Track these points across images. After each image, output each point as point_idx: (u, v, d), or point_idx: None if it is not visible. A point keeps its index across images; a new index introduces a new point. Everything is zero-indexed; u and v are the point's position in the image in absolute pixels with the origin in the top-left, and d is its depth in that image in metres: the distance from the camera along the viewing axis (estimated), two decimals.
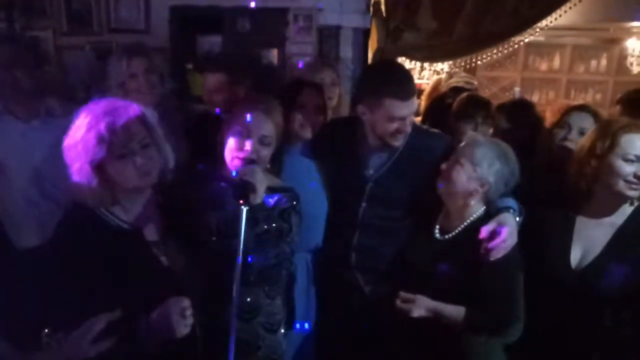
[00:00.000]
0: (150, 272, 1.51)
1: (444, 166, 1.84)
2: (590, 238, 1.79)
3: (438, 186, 1.86)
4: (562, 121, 2.24)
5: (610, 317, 1.73)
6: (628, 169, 1.69)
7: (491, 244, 1.67)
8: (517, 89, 4.42)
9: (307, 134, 2.06)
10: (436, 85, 3.59)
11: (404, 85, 1.91)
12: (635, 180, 1.69)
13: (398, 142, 1.96)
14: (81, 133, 1.43)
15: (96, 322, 1.33)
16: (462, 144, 1.87)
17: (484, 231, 1.72)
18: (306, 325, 2.13)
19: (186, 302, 1.39)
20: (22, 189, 2.19)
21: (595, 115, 2.21)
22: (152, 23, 3.14)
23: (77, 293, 1.38)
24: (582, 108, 2.27)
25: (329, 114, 2.31)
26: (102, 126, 1.41)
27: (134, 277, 1.45)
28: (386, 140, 1.96)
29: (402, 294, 1.75)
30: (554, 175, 2.12)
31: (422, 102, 3.68)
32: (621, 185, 1.71)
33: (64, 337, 1.33)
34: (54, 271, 1.43)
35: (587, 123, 2.16)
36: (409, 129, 1.94)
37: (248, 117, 1.72)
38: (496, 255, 1.68)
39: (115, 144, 1.42)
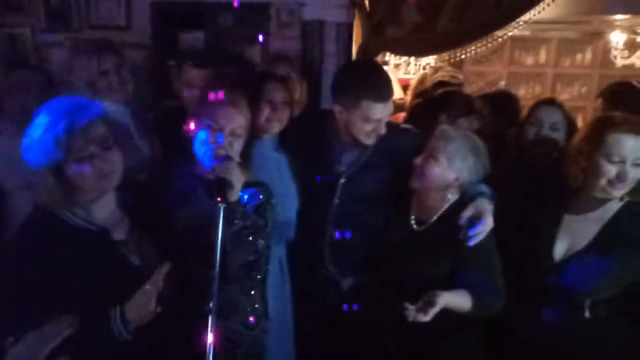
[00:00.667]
0: (120, 272, 1.48)
1: (417, 161, 1.86)
2: (576, 233, 1.80)
3: (413, 181, 1.88)
4: (533, 117, 2.25)
5: (590, 310, 1.75)
6: (611, 169, 1.69)
7: (472, 230, 1.72)
8: (502, 83, 4.44)
9: (274, 128, 2.05)
10: (422, 80, 3.58)
11: (383, 87, 1.92)
12: (617, 181, 1.69)
13: (371, 142, 1.97)
14: (39, 133, 1.37)
15: (52, 334, 1.30)
16: (434, 137, 1.88)
17: (464, 218, 1.77)
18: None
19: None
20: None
21: (561, 108, 2.25)
22: (133, 19, 3.09)
23: (43, 297, 1.35)
24: (550, 102, 2.29)
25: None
26: (60, 128, 1.35)
27: (103, 278, 1.41)
28: (360, 139, 1.97)
29: (420, 304, 1.66)
30: (524, 169, 2.15)
31: (408, 97, 3.68)
32: (604, 185, 1.71)
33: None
34: (16, 276, 1.39)
35: (557, 117, 2.19)
36: (383, 130, 1.94)
37: (216, 111, 1.71)
38: (476, 240, 1.73)
39: (73, 148, 1.37)
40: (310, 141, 2.09)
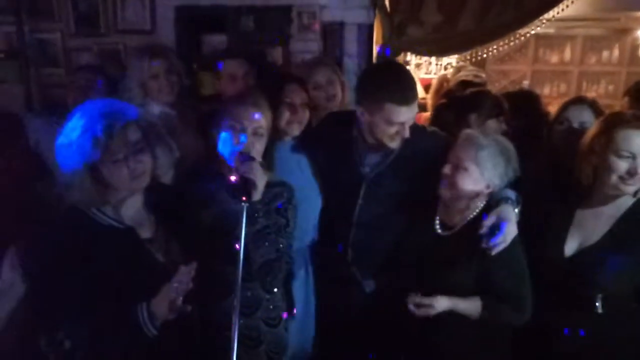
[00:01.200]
0: (146, 269, 1.54)
1: (447, 170, 1.81)
2: (588, 229, 1.80)
3: (443, 191, 1.84)
4: (561, 117, 2.22)
5: (602, 305, 1.74)
6: (622, 165, 1.69)
7: (493, 240, 1.69)
8: (525, 83, 4.38)
9: (294, 130, 2.06)
10: (442, 82, 3.57)
11: (406, 90, 1.88)
12: (628, 177, 1.69)
13: (395, 145, 1.95)
14: (76, 134, 1.43)
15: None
16: (462, 144, 1.83)
17: (485, 227, 1.73)
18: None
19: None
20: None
21: (592, 106, 2.18)
22: (157, 23, 3.17)
23: (74, 294, 1.41)
24: (579, 101, 2.25)
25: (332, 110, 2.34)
26: (98, 129, 1.41)
27: (130, 275, 1.47)
28: (383, 143, 1.94)
29: (418, 299, 1.74)
30: (554, 170, 2.12)
31: (429, 99, 3.66)
32: (616, 181, 1.71)
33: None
34: (47, 274, 1.46)
35: (586, 116, 2.14)
36: (407, 133, 1.91)
37: (239, 112, 1.75)
38: (499, 249, 1.70)
39: (110, 148, 1.43)
40: (336, 141, 2.09)
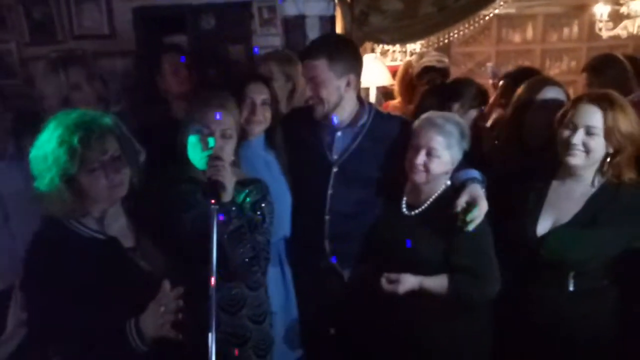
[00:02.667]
0: (131, 278, 1.53)
1: (421, 158, 1.84)
2: (561, 208, 1.83)
3: (415, 174, 1.88)
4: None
5: (574, 282, 1.79)
6: (565, 134, 1.75)
7: (469, 217, 1.76)
8: (489, 65, 4.45)
9: (254, 128, 2.05)
10: (406, 68, 3.59)
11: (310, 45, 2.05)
12: (565, 146, 1.74)
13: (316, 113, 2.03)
14: (52, 146, 1.40)
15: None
16: (429, 129, 1.87)
17: (459, 205, 1.79)
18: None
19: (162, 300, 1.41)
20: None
21: (558, 85, 2.17)
22: (116, 27, 3.09)
23: (60, 308, 1.40)
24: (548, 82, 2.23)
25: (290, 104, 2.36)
26: (75, 140, 1.39)
27: (115, 285, 1.46)
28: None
29: (387, 275, 1.81)
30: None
31: (395, 86, 3.69)
32: (561, 152, 1.77)
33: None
34: (32, 290, 1.45)
35: (552, 94, 2.16)
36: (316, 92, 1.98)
37: (205, 115, 1.74)
38: (474, 225, 1.77)
39: (87, 159, 1.41)
40: (302, 133, 2.12)
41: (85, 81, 2.20)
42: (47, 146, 1.41)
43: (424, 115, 1.94)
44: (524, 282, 1.85)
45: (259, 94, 2.04)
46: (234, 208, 1.70)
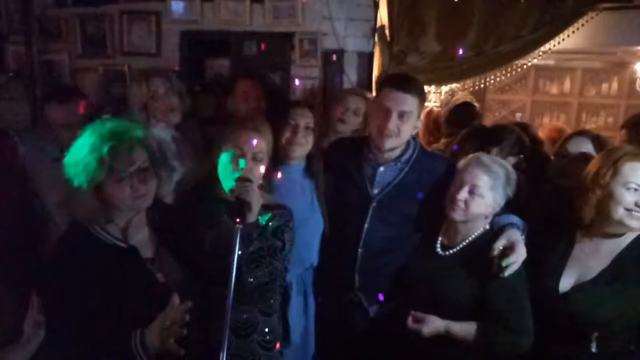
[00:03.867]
0: (147, 288, 1.55)
1: (463, 195, 1.82)
2: (586, 265, 1.77)
3: (454, 212, 1.85)
4: (562, 148, 2.23)
5: (597, 344, 1.71)
6: (629, 197, 1.69)
7: (506, 262, 1.71)
8: (518, 115, 4.45)
9: (294, 151, 2.07)
10: (429, 113, 3.68)
11: (401, 78, 2.05)
12: (636, 208, 1.67)
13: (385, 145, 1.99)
14: (83, 153, 1.46)
15: None
16: (475, 169, 1.85)
17: (496, 249, 1.75)
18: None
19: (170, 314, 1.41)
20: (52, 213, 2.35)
21: (595, 140, 2.19)
22: (163, 47, 3.24)
23: (75, 309, 1.43)
24: (581, 134, 2.26)
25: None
26: (105, 150, 1.44)
27: (131, 294, 1.48)
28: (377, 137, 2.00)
29: (413, 313, 1.78)
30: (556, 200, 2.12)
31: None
32: (621, 213, 1.70)
33: None
34: (52, 288, 1.47)
35: (585, 148, 2.16)
36: (395, 126, 1.95)
37: (238, 137, 1.77)
38: (510, 271, 1.72)
39: (115, 168, 1.46)
40: (345, 164, 2.11)
41: (163, 93, 2.37)
42: (80, 152, 1.47)
43: (472, 154, 1.93)
44: (545, 339, 1.76)
45: (303, 118, 2.06)
46: (256, 230, 1.71)
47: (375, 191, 2.04)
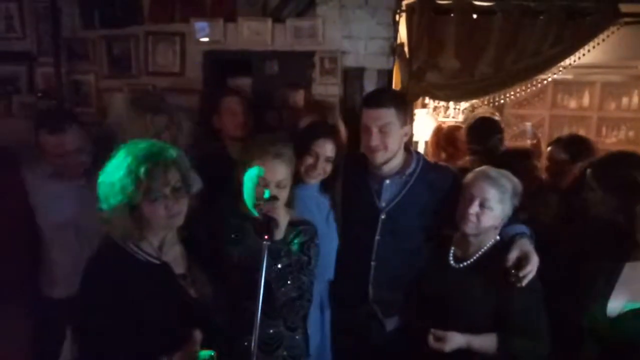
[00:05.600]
0: (180, 305, 1.58)
1: (474, 209, 1.86)
2: (636, 289, 1.73)
3: (466, 225, 1.89)
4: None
5: None
6: None
7: (523, 272, 1.74)
8: (528, 124, 4.42)
9: (311, 179, 2.08)
10: (437, 131, 3.70)
11: (376, 94, 2.13)
12: None
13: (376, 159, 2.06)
14: (120, 174, 1.49)
15: None
16: (483, 183, 1.89)
17: (510, 260, 1.79)
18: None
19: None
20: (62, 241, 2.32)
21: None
22: (186, 67, 3.32)
23: (109, 326, 1.45)
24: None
25: None
26: (141, 171, 1.47)
27: (165, 309, 1.51)
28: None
29: (433, 331, 1.79)
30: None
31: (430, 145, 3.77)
32: None
33: None
34: (86, 306, 1.51)
35: None
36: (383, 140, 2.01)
37: (262, 165, 1.77)
38: (527, 280, 1.75)
39: (151, 189, 1.49)
40: (353, 179, 2.16)
41: (163, 129, 2.37)
42: (116, 173, 1.50)
43: (478, 168, 1.97)
44: None
45: (324, 150, 2.06)
46: (284, 247, 1.74)
47: (383, 204, 2.09)
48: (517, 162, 2.56)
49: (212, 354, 1.43)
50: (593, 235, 2.01)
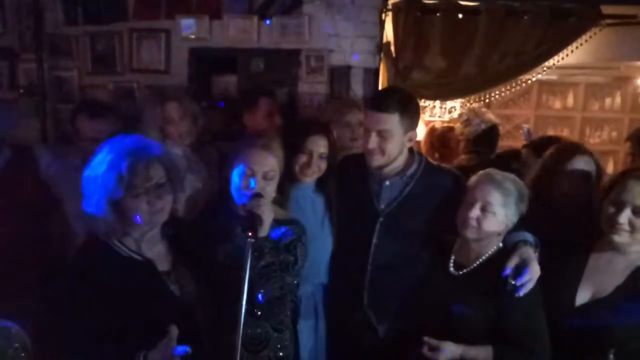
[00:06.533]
0: (161, 301, 1.57)
1: (475, 213, 1.78)
2: (602, 279, 1.75)
3: (467, 230, 1.81)
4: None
5: (615, 358, 1.67)
6: (610, 210, 1.69)
7: (519, 280, 1.66)
8: (525, 126, 4.46)
9: (306, 178, 2.05)
10: (431, 131, 3.71)
11: (380, 97, 2.05)
12: (615, 224, 1.67)
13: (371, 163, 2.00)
14: (102, 169, 1.48)
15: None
16: (486, 186, 1.80)
17: (509, 268, 1.70)
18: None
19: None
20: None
21: (591, 156, 2.11)
22: (171, 64, 3.29)
23: (89, 320, 1.44)
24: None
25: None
26: (123, 167, 1.46)
27: (146, 306, 1.50)
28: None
29: (427, 340, 1.71)
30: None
31: (423, 145, 3.77)
32: (607, 228, 1.70)
33: None
34: (67, 299, 1.50)
35: (588, 166, 2.08)
36: (381, 145, 1.94)
37: (249, 155, 1.78)
38: (525, 290, 1.67)
39: (133, 184, 1.48)
40: (352, 181, 2.10)
41: (178, 118, 2.42)
42: (98, 169, 1.49)
43: (483, 171, 1.88)
44: (562, 354, 1.73)
45: (318, 147, 2.02)
46: (268, 244, 1.73)
47: (382, 206, 2.02)
48: (507, 163, 2.56)
49: (187, 349, 1.41)
50: (560, 224, 1.99)
